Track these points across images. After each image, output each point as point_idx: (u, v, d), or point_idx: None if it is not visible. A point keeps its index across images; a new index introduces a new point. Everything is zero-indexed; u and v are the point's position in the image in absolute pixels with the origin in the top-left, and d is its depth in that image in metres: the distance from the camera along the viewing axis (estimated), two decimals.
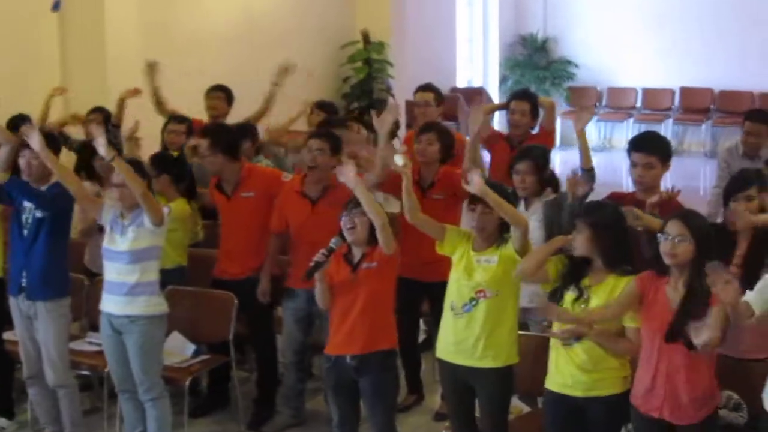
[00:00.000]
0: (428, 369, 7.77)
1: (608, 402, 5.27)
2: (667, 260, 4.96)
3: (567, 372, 5.31)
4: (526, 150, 6.91)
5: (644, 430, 5.22)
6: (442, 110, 8.79)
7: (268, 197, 7.23)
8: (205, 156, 7.29)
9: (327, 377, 6.24)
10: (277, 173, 7.58)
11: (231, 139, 7.39)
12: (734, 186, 6.01)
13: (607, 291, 5.21)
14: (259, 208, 7.24)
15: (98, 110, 8.85)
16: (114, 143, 7.39)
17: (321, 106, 9.50)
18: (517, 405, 6.17)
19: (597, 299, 5.22)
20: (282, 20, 12.81)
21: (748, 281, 5.00)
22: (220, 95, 9.38)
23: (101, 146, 6.21)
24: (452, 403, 5.97)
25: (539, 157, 6.72)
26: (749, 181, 5.99)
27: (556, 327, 5.33)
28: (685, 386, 4.99)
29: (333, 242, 5.86)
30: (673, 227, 4.94)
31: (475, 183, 5.35)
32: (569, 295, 5.31)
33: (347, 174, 5.69)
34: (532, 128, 8.19)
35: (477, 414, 5.89)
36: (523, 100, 8.14)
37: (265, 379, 7.51)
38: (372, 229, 5.76)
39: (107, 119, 8.68)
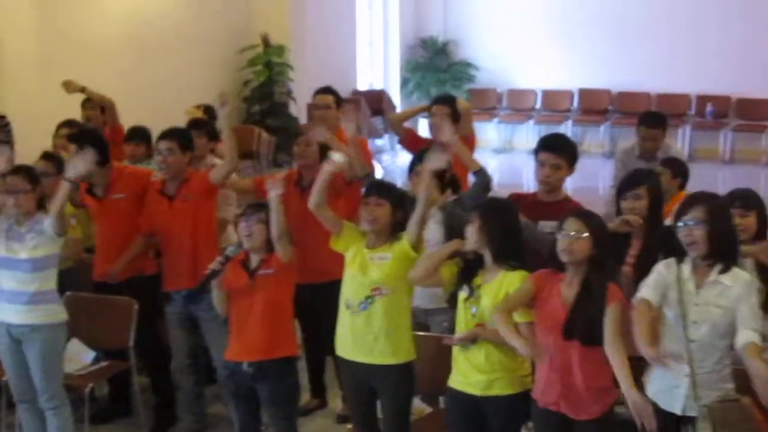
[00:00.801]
0: (331, 372, 7.79)
1: (506, 401, 5.33)
2: (563, 257, 5.04)
3: (466, 371, 5.39)
4: (425, 153, 6.95)
5: (543, 425, 5.30)
6: (342, 111, 8.81)
7: (139, 197, 7.20)
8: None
9: (226, 384, 6.25)
10: (146, 173, 7.51)
11: (100, 143, 7.33)
12: (625, 185, 6.13)
13: (497, 288, 5.27)
14: (131, 209, 7.20)
15: None
16: (6, 141, 7.33)
17: (205, 110, 9.52)
18: (419, 406, 6.20)
19: (487, 297, 5.28)
20: (179, 23, 12.74)
21: (641, 280, 5.14)
22: (92, 104, 9.41)
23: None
24: (354, 402, 6.00)
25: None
26: (640, 180, 6.11)
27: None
28: (581, 381, 5.08)
29: (229, 250, 5.90)
30: (570, 224, 5.03)
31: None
32: (461, 295, 5.39)
33: (274, 194, 5.73)
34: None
35: (379, 416, 5.93)
36: (444, 104, 8.14)
37: (159, 384, 7.48)
38: (269, 236, 5.80)
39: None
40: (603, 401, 5.13)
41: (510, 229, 5.40)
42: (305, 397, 7.56)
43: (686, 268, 5.02)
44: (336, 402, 7.60)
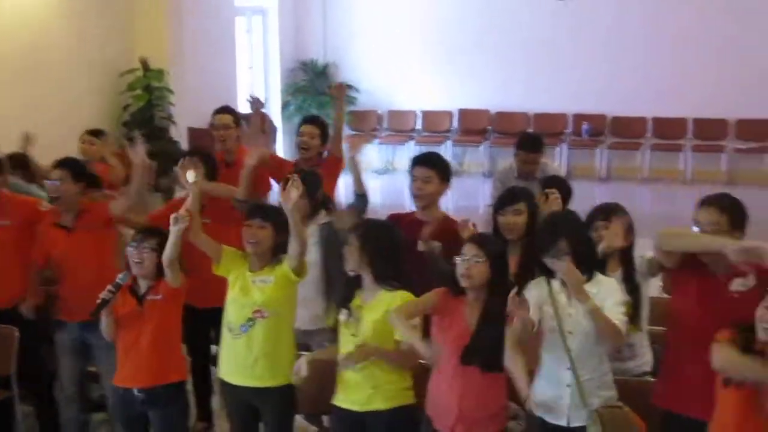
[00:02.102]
0: (219, 395, 7.78)
1: (386, 415, 5.44)
2: (463, 282, 5.17)
3: (347, 388, 5.49)
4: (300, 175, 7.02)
5: None
6: (239, 131, 8.83)
7: (26, 225, 7.14)
8: None
9: (115, 409, 6.24)
10: (33, 201, 7.45)
11: None
12: (505, 201, 6.28)
13: (378, 309, 5.36)
14: (17, 237, 7.14)
15: None
16: None
17: (92, 133, 9.43)
18: (303, 425, 6.28)
19: (369, 317, 5.37)
20: (57, 47, 12.58)
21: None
22: None
23: None
24: (237, 424, 6.04)
25: (308, 180, 6.84)
26: (519, 196, 6.27)
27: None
28: (478, 406, 5.22)
29: (119, 278, 5.91)
30: (469, 249, 5.15)
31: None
32: (341, 318, 5.49)
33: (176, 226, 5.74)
34: (321, 153, 8.27)
35: None
36: (312, 124, 8.23)
37: (43, 412, 7.40)
38: (159, 262, 5.81)
39: None
40: (496, 423, 5.28)
41: (390, 250, 5.49)
42: (191, 420, 7.57)
43: (556, 281, 5.19)
44: (224, 425, 7.60)
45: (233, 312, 5.79)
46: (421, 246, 6.20)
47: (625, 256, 5.81)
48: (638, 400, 5.27)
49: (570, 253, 5.05)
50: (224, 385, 5.95)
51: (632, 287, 5.73)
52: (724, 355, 4.56)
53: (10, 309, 7.16)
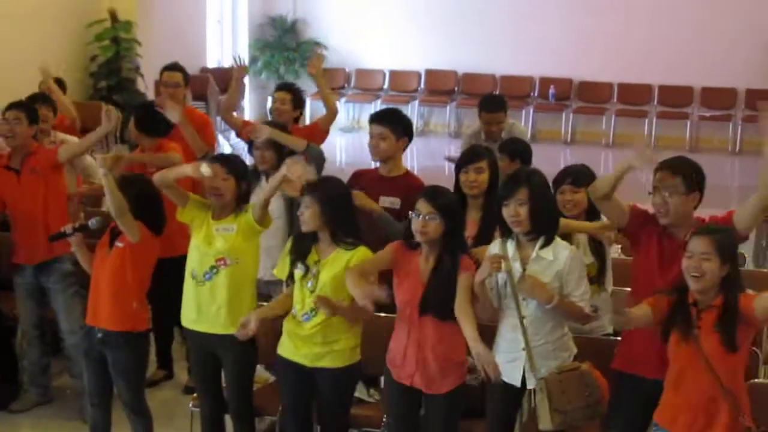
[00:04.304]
0: (178, 344, 7.87)
1: (335, 373, 5.52)
2: (418, 237, 5.23)
3: (297, 342, 5.55)
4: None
5: (396, 396, 5.50)
6: (189, 90, 8.84)
7: None
8: None
9: (79, 346, 6.31)
10: None
11: None
12: (465, 159, 6.33)
13: (336, 265, 5.42)
14: None
15: None
16: None
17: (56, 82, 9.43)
18: (263, 374, 6.34)
19: (327, 271, 5.43)
20: None
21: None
22: None
23: None
24: (198, 372, 6.10)
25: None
26: (480, 154, 6.32)
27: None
28: (435, 356, 5.27)
29: (91, 222, 5.97)
30: (422, 206, 5.20)
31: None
32: (297, 273, 5.52)
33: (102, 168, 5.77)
34: (296, 120, 8.30)
35: (224, 385, 6.04)
36: (284, 90, 8.25)
37: (2, 357, 7.39)
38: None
39: None
40: (454, 375, 5.33)
41: (346, 209, 5.55)
42: (152, 369, 7.64)
43: (511, 246, 5.24)
44: (182, 374, 7.69)
45: (196, 259, 5.83)
46: (382, 202, 6.30)
47: (591, 218, 5.90)
48: (601, 360, 5.36)
49: (527, 204, 5.11)
50: (186, 332, 6.02)
51: (598, 248, 5.82)
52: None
53: None
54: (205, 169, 5.61)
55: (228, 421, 6.15)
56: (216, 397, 6.05)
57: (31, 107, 7.22)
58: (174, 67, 8.64)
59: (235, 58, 8.93)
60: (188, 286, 5.90)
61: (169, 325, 7.66)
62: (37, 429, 7.12)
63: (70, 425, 7.02)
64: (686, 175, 5.13)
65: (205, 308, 5.81)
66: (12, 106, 7.08)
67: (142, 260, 6.04)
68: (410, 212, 5.28)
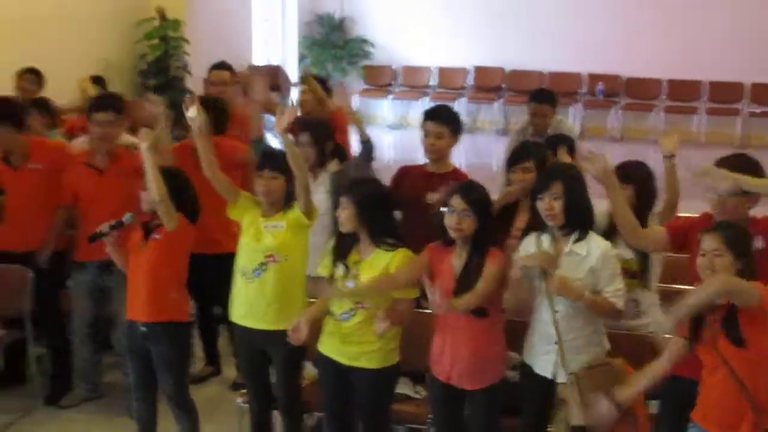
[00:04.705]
0: (225, 340, 7.88)
1: (371, 374, 5.51)
2: (452, 234, 5.23)
3: (336, 340, 5.54)
4: (306, 123, 7.09)
5: (437, 392, 5.50)
6: (237, 88, 8.89)
7: (55, 170, 7.21)
8: None
9: (125, 340, 6.34)
10: (62, 145, 7.58)
11: (17, 111, 7.33)
12: (514, 157, 6.32)
13: (377, 265, 5.41)
14: (46, 181, 7.20)
15: None
16: None
17: (96, 80, 9.50)
18: (311, 371, 6.33)
19: (367, 273, 5.41)
20: None
21: None
22: (32, 77, 9.27)
23: None
24: (247, 368, 6.12)
25: (318, 129, 6.90)
26: (528, 153, 6.30)
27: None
28: (470, 352, 5.27)
29: (125, 217, 5.99)
30: (456, 202, 5.20)
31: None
32: (337, 273, 5.52)
33: (143, 147, 5.82)
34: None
35: (272, 381, 6.05)
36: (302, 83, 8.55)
37: (58, 354, 7.51)
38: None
39: None
40: (491, 372, 5.32)
41: (383, 209, 5.53)
42: (200, 365, 7.68)
43: (546, 239, 5.24)
44: (230, 370, 7.70)
45: (246, 256, 5.86)
46: (429, 198, 6.26)
47: (638, 214, 5.84)
48: (635, 357, 5.29)
49: (562, 198, 5.09)
50: (236, 328, 6.03)
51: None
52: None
53: (33, 252, 7.26)
54: (191, 111, 5.81)
55: (276, 417, 6.16)
56: (264, 393, 6.07)
57: (119, 107, 7.29)
58: (221, 65, 8.71)
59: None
60: (238, 282, 5.92)
61: (214, 321, 7.70)
62: (86, 424, 7.18)
63: (118, 421, 7.07)
64: (742, 172, 4.99)
65: (255, 305, 5.83)
66: (101, 107, 7.16)
67: (179, 249, 6.09)
68: (443, 208, 5.27)
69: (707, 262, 4.56)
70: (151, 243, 5.97)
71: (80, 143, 7.68)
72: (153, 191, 5.79)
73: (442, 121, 6.56)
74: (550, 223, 5.18)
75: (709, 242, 4.58)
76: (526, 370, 5.41)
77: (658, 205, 6.18)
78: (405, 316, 5.47)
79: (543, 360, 5.27)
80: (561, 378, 5.20)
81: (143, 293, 5.99)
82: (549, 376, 5.26)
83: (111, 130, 7.03)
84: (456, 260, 5.29)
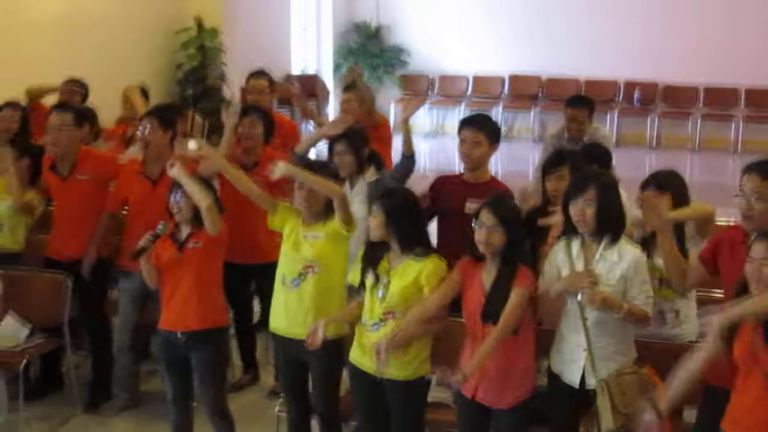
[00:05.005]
0: (263, 349, 7.90)
1: (400, 385, 5.48)
2: (482, 248, 5.18)
3: (365, 350, 5.51)
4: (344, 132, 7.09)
5: (463, 408, 5.46)
6: (275, 96, 8.92)
7: (103, 180, 7.27)
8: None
9: (159, 353, 6.37)
10: (111, 156, 7.61)
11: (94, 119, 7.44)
12: (549, 165, 6.30)
13: (407, 276, 5.40)
14: (94, 191, 7.26)
15: None
16: None
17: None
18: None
19: (397, 282, 5.40)
20: (114, 4, 12.68)
21: None
22: (77, 87, 9.34)
23: None
24: (285, 376, 6.11)
25: (354, 136, 6.89)
26: (562, 160, 6.27)
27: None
28: (497, 367, 5.19)
29: (159, 228, 6.03)
30: (485, 217, 5.15)
31: (279, 169, 5.68)
32: (368, 281, 5.51)
33: (173, 171, 5.86)
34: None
35: (310, 390, 6.05)
36: (347, 91, 8.50)
37: (100, 361, 7.54)
38: (197, 211, 5.91)
39: None
40: (519, 389, 5.25)
41: (413, 218, 5.51)
42: (237, 373, 7.70)
43: (575, 245, 5.22)
44: (268, 378, 7.71)
45: (286, 265, 5.88)
46: (467, 208, 6.23)
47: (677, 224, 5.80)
48: (662, 365, 5.17)
49: (594, 205, 5.06)
50: (275, 336, 6.04)
51: (681, 252, 5.72)
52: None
53: (80, 260, 7.31)
54: (192, 144, 5.68)
55: (314, 425, 6.17)
56: (303, 400, 6.07)
57: (166, 113, 7.33)
58: (260, 73, 8.71)
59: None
60: (278, 291, 5.95)
61: (252, 329, 7.72)
62: (125, 431, 7.21)
63: (156, 428, 7.07)
64: None
65: (294, 313, 5.84)
66: (146, 114, 7.23)
67: (219, 253, 6.15)
68: (473, 223, 5.23)
69: (756, 271, 4.51)
70: (189, 252, 6.01)
71: (132, 153, 7.72)
72: (201, 199, 5.83)
73: (479, 128, 6.50)
74: (581, 229, 5.15)
75: (758, 250, 4.52)
76: (554, 378, 5.37)
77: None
78: (435, 327, 5.45)
79: (572, 368, 5.24)
80: (590, 385, 5.18)
81: (186, 303, 6.03)
82: (576, 384, 5.23)
83: (152, 136, 7.02)
84: (486, 276, 5.25)
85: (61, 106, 7.83)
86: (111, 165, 7.38)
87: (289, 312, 5.86)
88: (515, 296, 5.09)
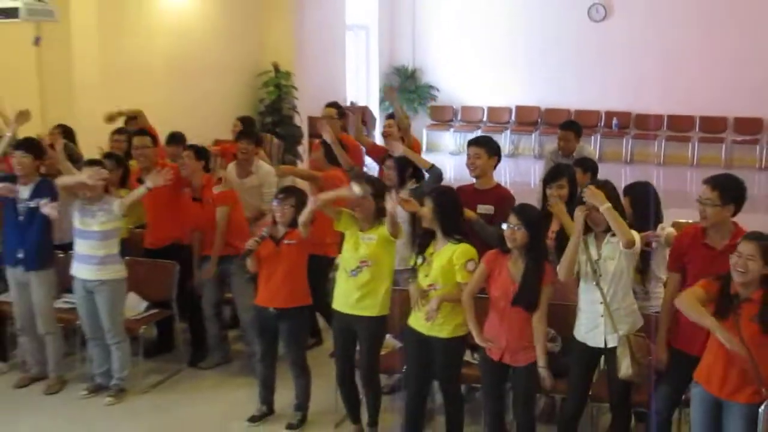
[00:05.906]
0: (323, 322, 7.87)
1: (443, 342, 5.52)
2: (508, 243, 5.24)
3: (419, 314, 5.53)
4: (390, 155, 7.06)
5: (487, 367, 5.46)
6: (343, 122, 8.97)
7: (176, 188, 7.27)
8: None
9: (253, 322, 6.44)
10: (176, 166, 7.44)
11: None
12: (549, 177, 6.27)
13: (444, 256, 5.45)
14: (172, 196, 7.32)
15: (60, 126, 8.28)
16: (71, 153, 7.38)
17: (241, 119, 9.55)
18: (391, 341, 6.33)
19: (437, 262, 5.45)
20: (211, 53, 12.78)
21: (560, 249, 5.32)
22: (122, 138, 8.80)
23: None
24: (339, 341, 6.09)
25: (400, 158, 6.88)
26: (561, 173, 6.24)
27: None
28: (521, 338, 5.27)
29: (264, 231, 6.11)
30: (512, 218, 5.22)
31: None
32: (418, 262, 5.56)
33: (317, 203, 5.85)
34: (402, 139, 8.33)
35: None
36: (389, 118, 8.57)
37: (194, 328, 7.60)
38: (295, 216, 5.99)
39: (67, 133, 8.12)
40: (530, 353, 5.29)
41: (454, 210, 5.57)
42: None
43: (590, 238, 5.22)
44: (329, 343, 7.68)
45: (347, 260, 5.89)
46: (479, 209, 6.28)
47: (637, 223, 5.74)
48: (647, 333, 5.28)
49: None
50: (335, 312, 6.04)
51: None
52: (683, 300, 4.69)
53: (168, 246, 7.43)
54: (356, 188, 5.68)
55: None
56: (350, 360, 6.08)
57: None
58: (332, 104, 8.86)
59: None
60: (341, 278, 5.97)
61: (318, 304, 7.73)
62: (219, 382, 7.23)
63: (243, 380, 7.12)
64: (722, 190, 5.00)
65: (349, 295, 5.87)
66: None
67: (308, 250, 6.24)
68: (503, 223, 5.27)
69: (742, 263, 4.51)
70: (285, 248, 6.07)
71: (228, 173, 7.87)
72: (306, 217, 5.88)
73: (479, 145, 6.53)
74: (596, 228, 5.16)
75: (746, 247, 4.54)
76: (577, 343, 5.34)
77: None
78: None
79: (595, 332, 5.22)
80: (611, 343, 5.17)
81: (280, 286, 6.10)
82: (601, 345, 5.21)
83: (190, 165, 7.20)
84: (512, 266, 5.29)
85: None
86: (177, 173, 7.26)
87: (347, 294, 5.88)
88: (546, 292, 5.23)
